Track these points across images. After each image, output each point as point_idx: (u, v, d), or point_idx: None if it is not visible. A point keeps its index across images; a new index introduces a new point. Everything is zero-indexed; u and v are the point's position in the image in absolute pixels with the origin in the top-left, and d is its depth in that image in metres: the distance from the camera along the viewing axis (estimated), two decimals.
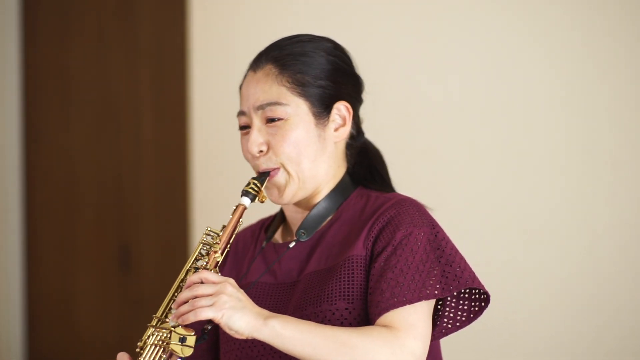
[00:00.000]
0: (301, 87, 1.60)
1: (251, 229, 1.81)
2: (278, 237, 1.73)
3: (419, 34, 2.82)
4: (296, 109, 1.59)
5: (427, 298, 1.49)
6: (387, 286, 1.50)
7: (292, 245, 1.64)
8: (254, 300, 1.57)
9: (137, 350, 1.47)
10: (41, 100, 3.94)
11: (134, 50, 3.70)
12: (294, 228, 1.68)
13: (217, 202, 3.26)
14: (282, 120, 1.59)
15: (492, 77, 2.70)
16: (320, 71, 1.62)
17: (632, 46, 2.53)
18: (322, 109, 1.62)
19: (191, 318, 1.40)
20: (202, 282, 1.43)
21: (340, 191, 1.66)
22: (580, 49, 2.59)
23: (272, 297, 1.63)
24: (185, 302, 1.42)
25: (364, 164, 1.72)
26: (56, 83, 3.91)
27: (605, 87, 2.57)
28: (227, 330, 1.41)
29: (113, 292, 3.79)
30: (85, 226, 3.85)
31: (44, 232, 3.95)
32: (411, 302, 1.48)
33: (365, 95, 1.73)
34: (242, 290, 1.44)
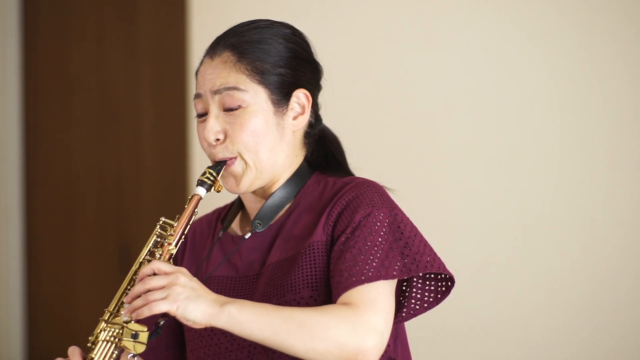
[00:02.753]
0: (260, 75, 1.56)
1: (207, 218, 1.76)
2: (235, 227, 1.68)
3: (418, 33, 2.82)
4: (255, 97, 1.55)
5: (385, 278, 1.46)
6: (345, 267, 1.46)
7: (247, 236, 1.59)
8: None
9: (89, 345, 1.44)
10: (41, 100, 3.94)
11: (134, 50, 3.71)
12: (252, 217, 1.64)
13: (217, 201, 3.26)
14: (241, 109, 1.54)
15: (491, 76, 2.71)
16: (279, 58, 1.58)
17: (630, 45, 2.53)
18: (281, 96, 1.57)
19: (145, 313, 1.36)
20: (154, 274, 1.40)
21: (297, 179, 1.62)
22: (578, 48, 2.60)
23: (235, 291, 1.59)
24: (138, 296, 1.38)
25: (321, 152, 1.68)
26: (56, 83, 3.91)
27: (603, 86, 2.57)
28: (184, 322, 1.37)
29: (113, 292, 3.78)
30: (85, 226, 3.85)
31: (44, 232, 3.95)
32: (370, 280, 1.44)
33: (324, 82, 1.67)
34: (195, 279, 1.40)
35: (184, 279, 1.38)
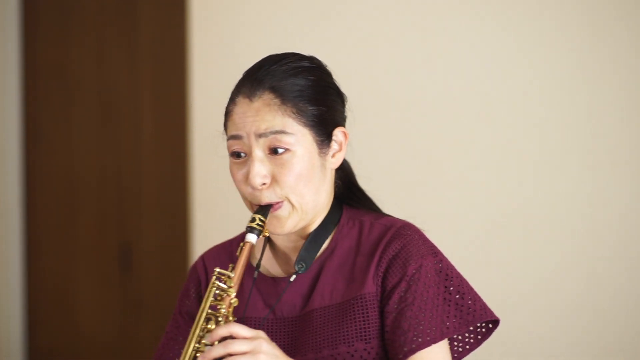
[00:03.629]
0: (305, 117, 1.53)
1: (225, 251, 1.73)
2: (268, 266, 1.66)
3: (418, 33, 2.82)
4: (301, 139, 1.53)
5: (447, 335, 1.50)
6: (408, 325, 1.49)
7: (292, 279, 1.58)
8: None
9: None
10: (41, 99, 3.95)
11: (134, 50, 3.71)
12: (288, 257, 1.63)
13: (217, 201, 3.26)
14: (288, 152, 1.52)
15: (491, 76, 2.71)
16: (318, 98, 1.56)
17: (631, 45, 2.54)
18: (324, 137, 1.57)
19: None
20: (231, 337, 1.39)
21: (331, 217, 1.62)
22: (580, 48, 2.60)
23: (275, 335, 1.58)
24: (219, 358, 1.37)
25: (343, 182, 1.68)
26: (56, 83, 3.91)
27: (603, 86, 2.57)
28: None
29: (113, 291, 3.79)
30: (85, 226, 3.85)
31: (44, 232, 3.95)
32: (435, 340, 1.48)
33: (347, 110, 1.67)
34: (274, 344, 1.40)
35: (267, 345, 1.38)
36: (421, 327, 1.49)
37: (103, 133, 3.80)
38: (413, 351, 1.47)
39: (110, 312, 3.78)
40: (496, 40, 2.70)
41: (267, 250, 1.67)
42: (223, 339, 1.40)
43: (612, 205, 2.55)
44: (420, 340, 1.48)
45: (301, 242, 1.61)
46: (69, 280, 3.89)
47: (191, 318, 1.66)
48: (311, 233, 1.60)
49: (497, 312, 1.57)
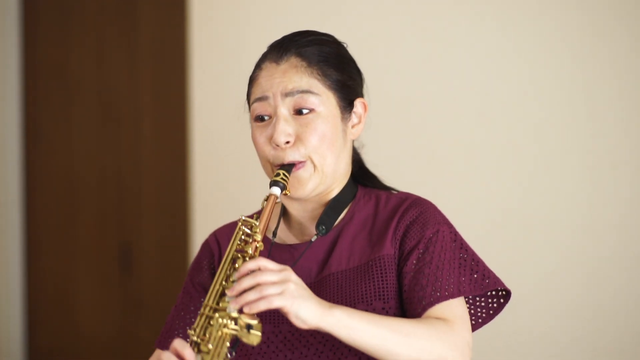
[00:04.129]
0: (330, 81, 1.57)
1: (233, 229, 1.73)
2: (283, 236, 1.67)
3: (418, 33, 2.82)
4: (326, 102, 1.56)
5: (464, 294, 1.52)
6: (427, 281, 1.51)
7: (314, 239, 1.59)
8: None
9: (194, 339, 1.39)
10: (41, 99, 3.95)
11: (134, 50, 3.71)
12: (303, 225, 1.64)
13: (217, 201, 3.27)
14: (313, 112, 1.55)
15: (492, 77, 2.71)
16: (341, 66, 1.60)
17: (633, 46, 2.54)
18: (347, 103, 1.60)
19: (261, 306, 1.35)
20: (259, 269, 1.39)
21: (349, 189, 1.64)
22: (580, 49, 2.60)
23: None
24: (247, 290, 1.37)
25: (355, 162, 1.70)
26: (56, 83, 3.91)
27: (604, 86, 2.57)
28: (294, 319, 1.37)
29: (113, 291, 3.79)
30: (85, 226, 3.85)
31: (44, 232, 3.96)
32: (453, 296, 1.51)
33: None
34: (300, 279, 1.41)
35: (295, 277, 1.39)
36: (439, 283, 1.51)
37: (103, 133, 3.81)
38: (431, 304, 1.49)
39: (110, 312, 3.79)
40: (497, 41, 2.70)
41: (281, 221, 1.68)
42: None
43: (612, 205, 2.55)
44: (439, 294, 1.50)
45: (318, 211, 1.62)
46: (69, 280, 3.89)
47: (204, 289, 1.66)
48: (331, 200, 1.62)
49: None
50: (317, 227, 1.60)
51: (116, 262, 3.76)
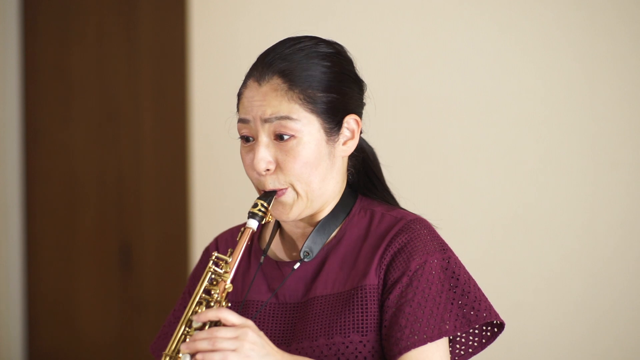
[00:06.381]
0: (312, 104, 1.51)
1: (232, 235, 1.71)
2: (276, 250, 1.64)
3: (418, 33, 2.82)
4: (307, 126, 1.50)
5: (446, 334, 1.47)
6: (405, 322, 1.46)
7: (296, 266, 1.56)
8: (258, 322, 1.54)
9: None
10: (41, 99, 3.95)
11: (134, 50, 3.71)
12: (295, 243, 1.62)
13: (217, 201, 3.26)
14: (294, 138, 1.49)
15: (492, 77, 2.71)
16: (329, 85, 1.53)
17: (631, 45, 2.53)
18: (333, 124, 1.54)
19: (216, 358, 1.32)
20: (219, 321, 1.36)
21: (342, 207, 1.59)
22: (580, 49, 2.60)
23: (276, 319, 1.56)
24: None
25: (362, 171, 1.66)
26: (56, 83, 3.91)
27: (603, 86, 2.57)
28: None
29: (113, 292, 3.79)
30: (85, 226, 3.85)
31: (44, 232, 3.95)
32: (432, 339, 1.45)
33: (366, 97, 1.67)
34: (262, 333, 1.37)
35: (252, 334, 1.35)
36: (418, 325, 1.46)
37: (103, 132, 3.80)
38: (407, 348, 1.45)
39: (110, 312, 3.78)
40: (498, 42, 2.70)
41: (276, 234, 1.65)
42: (213, 324, 1.38)
43: (614, 207, 2.55)
44: (416, 337, 1.45)
45: (309, 229, 1.59)
46: (69, 280, 3.89)
47: None
48: (320, 221, 1.58)
49: (500, 314, 1.55)
50: (301, 251, 1.57)
51: (116, 262, 3.76)
